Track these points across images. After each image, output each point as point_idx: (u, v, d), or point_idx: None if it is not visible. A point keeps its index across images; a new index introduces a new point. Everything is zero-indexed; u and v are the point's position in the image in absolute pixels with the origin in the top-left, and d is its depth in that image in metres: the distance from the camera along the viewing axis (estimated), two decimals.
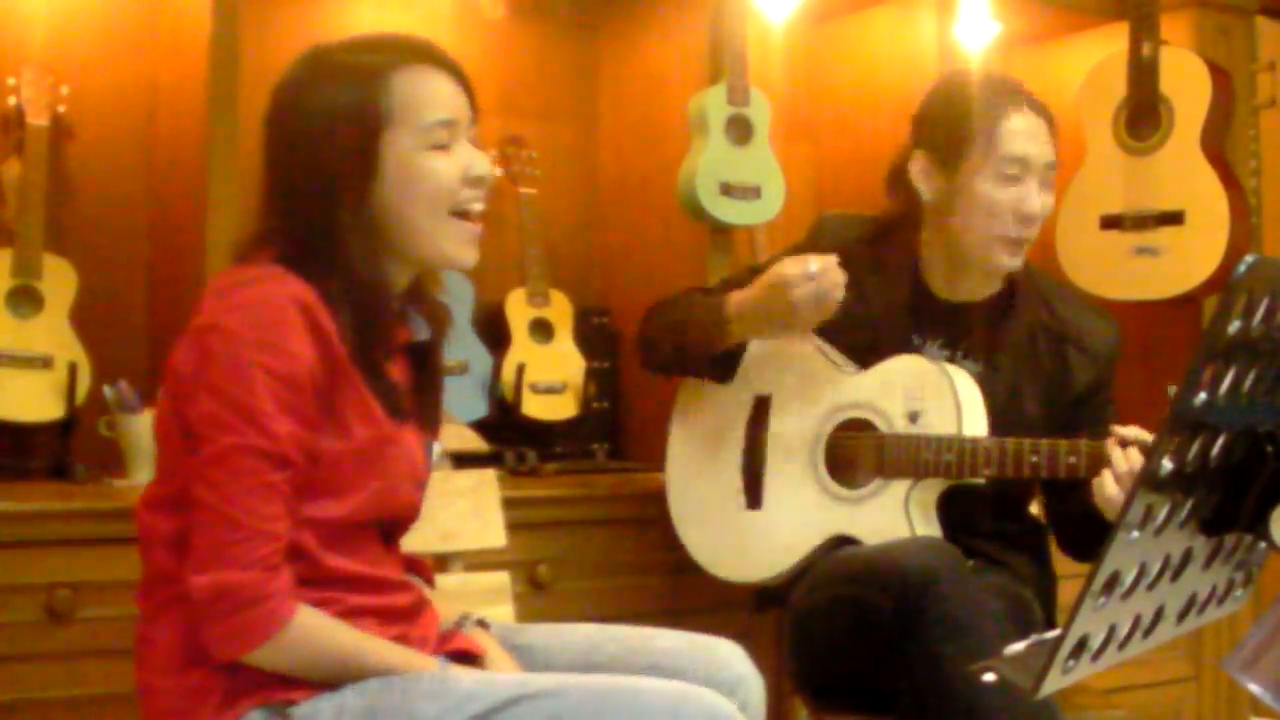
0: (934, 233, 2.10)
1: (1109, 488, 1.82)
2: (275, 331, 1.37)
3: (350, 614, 1.44)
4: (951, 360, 2.08)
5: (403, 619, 1.51)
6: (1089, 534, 1.95)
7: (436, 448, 1.63)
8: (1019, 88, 2.07)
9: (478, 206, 1.51)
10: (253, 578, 1.34)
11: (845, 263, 2.05)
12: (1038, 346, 2.08)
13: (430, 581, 1.70)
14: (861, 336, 2.08)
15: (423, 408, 1.57)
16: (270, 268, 1.42)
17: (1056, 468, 1.90)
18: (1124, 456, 1.82)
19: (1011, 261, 2.05)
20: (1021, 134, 2.02)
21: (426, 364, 1.58)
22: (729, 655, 1.60)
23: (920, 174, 2.07)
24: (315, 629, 1.38)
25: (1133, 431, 1.85)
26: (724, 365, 2.18)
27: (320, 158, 1.43)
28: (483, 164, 1.50)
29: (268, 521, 1.35)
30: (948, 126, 2.05)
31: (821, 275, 1.99)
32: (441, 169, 1.47)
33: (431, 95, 1.48)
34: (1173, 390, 1.84)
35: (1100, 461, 1.85)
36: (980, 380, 2.05)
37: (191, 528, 1.37)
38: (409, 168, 1.46)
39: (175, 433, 1.42)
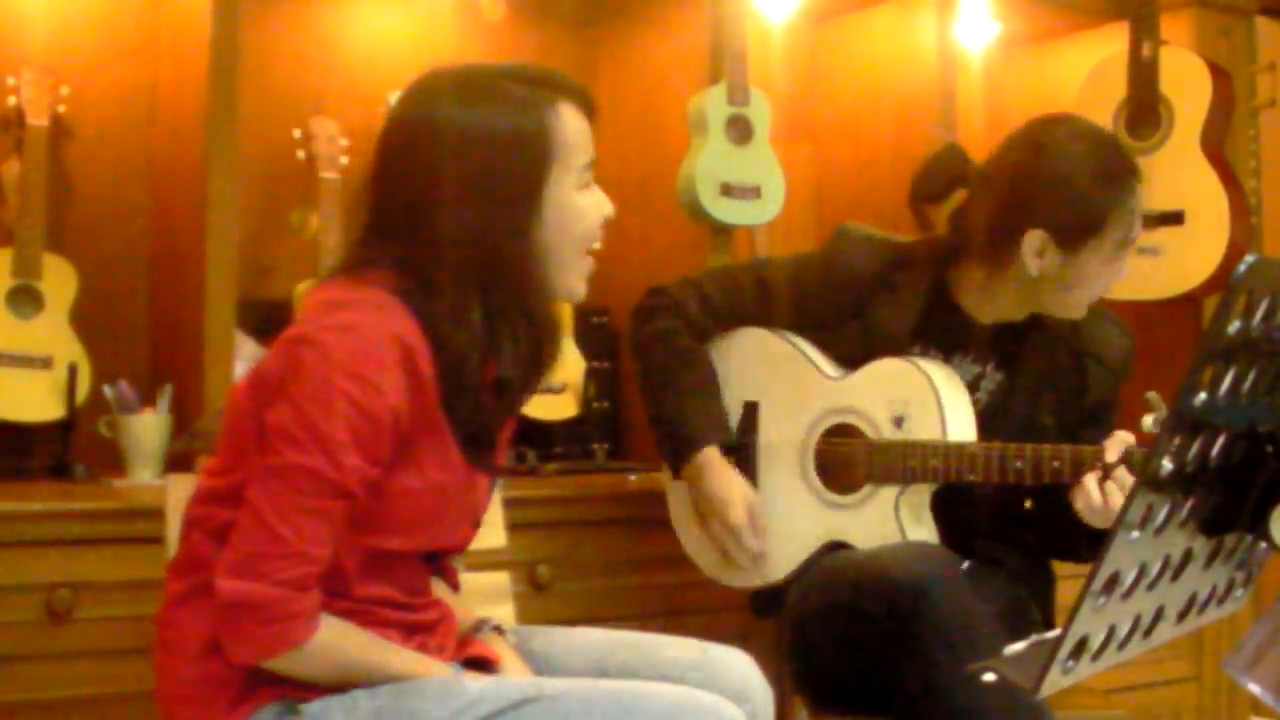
0: (1002, 278, 2.01)
1: (1093, 496, 1.83)
2: (370, 364, 1.34)
3: (375, 625, 1.44)
4: (981, 375, 2.07)
5: (425, 631, 1.51)
6: (1069, 536, 1.96)
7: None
8: (1129, 154, 2.00)
9: (599, 245, 1.54)
10: (280, 595, 1.33)
11: (852, 287, 2.06)
12: (1058, 360, 2.07)
13: (455, 585, 1.69)
14: (861, 356, 2.07)
15: (495, 446, 1.53)
16: (381, 294, 1.38)
17: (1041, 472, 1.90)
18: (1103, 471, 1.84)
19: (1083, 314, 2.04)
20: (1137, 215, 1.97)
21: (507, 401, 1.52)
22: (738, 664, 1.60)
23: (1033, 252, 1.95)
24: (333, 644, 1.38)
25: (1118, 443, 1.85)
26: (674, 470, 2.18)
27: (484, 188, 1.41)
28: (611, 205, 1.53)
29: (311, 544, 1.34)
30: (1079, 208, 1.93)
31: (746, 556, 2.09)
32: (591, 209, 1.49)
33: (582, 135, 1.48)
34: (1152, 395, 1.85)
35: (1082, 466, 1.86)
36: (1002, 392, 2.06)
37: (235, 526, 1.36)
38: (567, 208, 1.46)
39: (252, 432, 1.39)
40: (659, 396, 2.17)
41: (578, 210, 1.47)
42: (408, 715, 1.37)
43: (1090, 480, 1.84)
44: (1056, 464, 1.89)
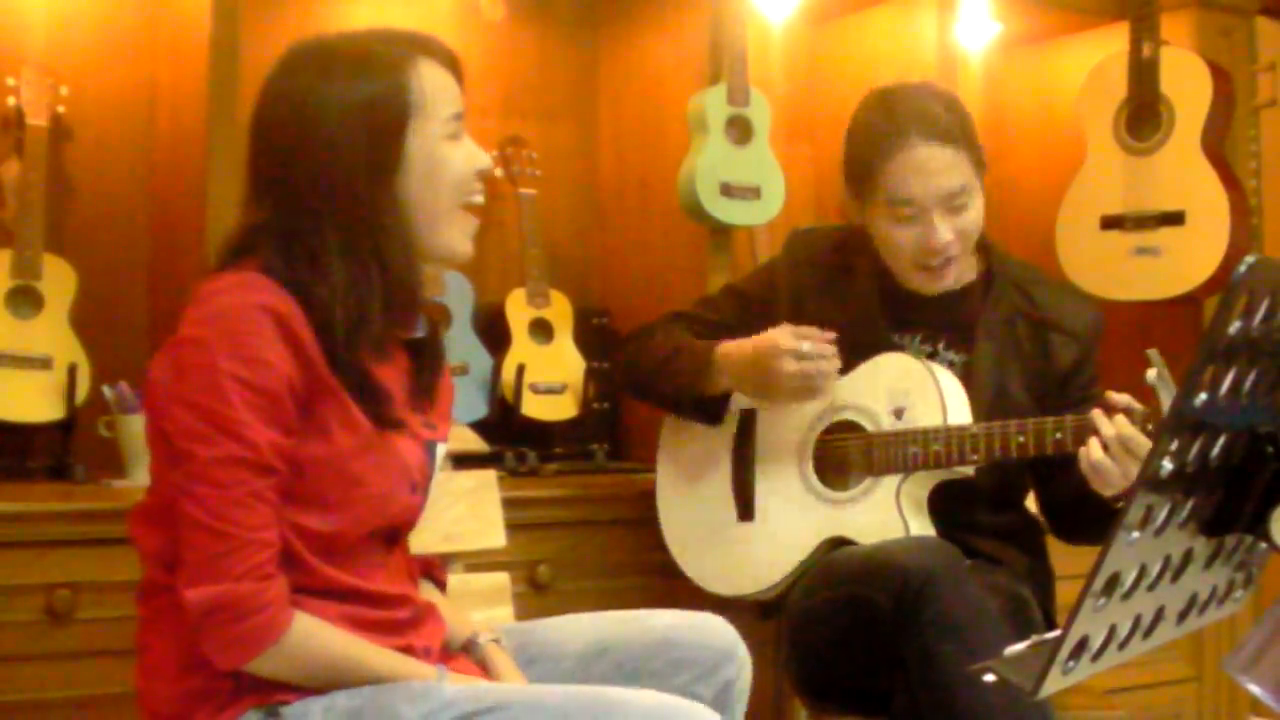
0: None
1: (1095, 453, 1.83)
2: (247, 341, 1.35)
3: (349, 626, 1.43)
4: (934, 354, 2.09)
5: (405, 630, 1.50)
6: (1081, 516, 1.99)
7: (441, 448, 1.59)
8: (909, 119, 1.97)
9: (480, 199, 1.53)
10: (247, 588, 1.33)
11: (815, 270, 2.13)
12: (1017, 332, 2.08)
13: (442, 584, 1.69)
14: (841, 339, 2.07)
15: (425, 404, 1.55)
16: (247, 274, 1.39)
17: (1044, 444, 1.92)
18: (1111, 423, 1.83)
19: (935, 284, 2.05)
20: (909, 173, 1.96)
21: (427, 358, 1.56)
22: (723, 627, 1.65)
23: (849, 203, 2.10)
24: (314, 636, 1.38)
25: (1123, 399, 1.86)
26: (711, 410, 2.18)
27: (345, 153, 1.42)
28: (486, 157, 1.53)
29: (255, 530, 1.34)
30: (849, 165, 2.06)
31: (813, 357, 2.00)
32: (459, 159, 1.49)
33: (445, 87, 1.49)
34: (1152, 352, 1.83)
35: (1085, 433, 1.86)
36: (964, 371, 2.07)
37: (180, 543, 1.36)
38: (433, 158, 1.46)
39: (160, 445, 1.41)
40: (648, 370, 2.19)
41: (446, 160, 1.47)
42: (383, 714, 1.37)
43: (1094, 444, 1.84)
44: (1059, 435, 1.91)
